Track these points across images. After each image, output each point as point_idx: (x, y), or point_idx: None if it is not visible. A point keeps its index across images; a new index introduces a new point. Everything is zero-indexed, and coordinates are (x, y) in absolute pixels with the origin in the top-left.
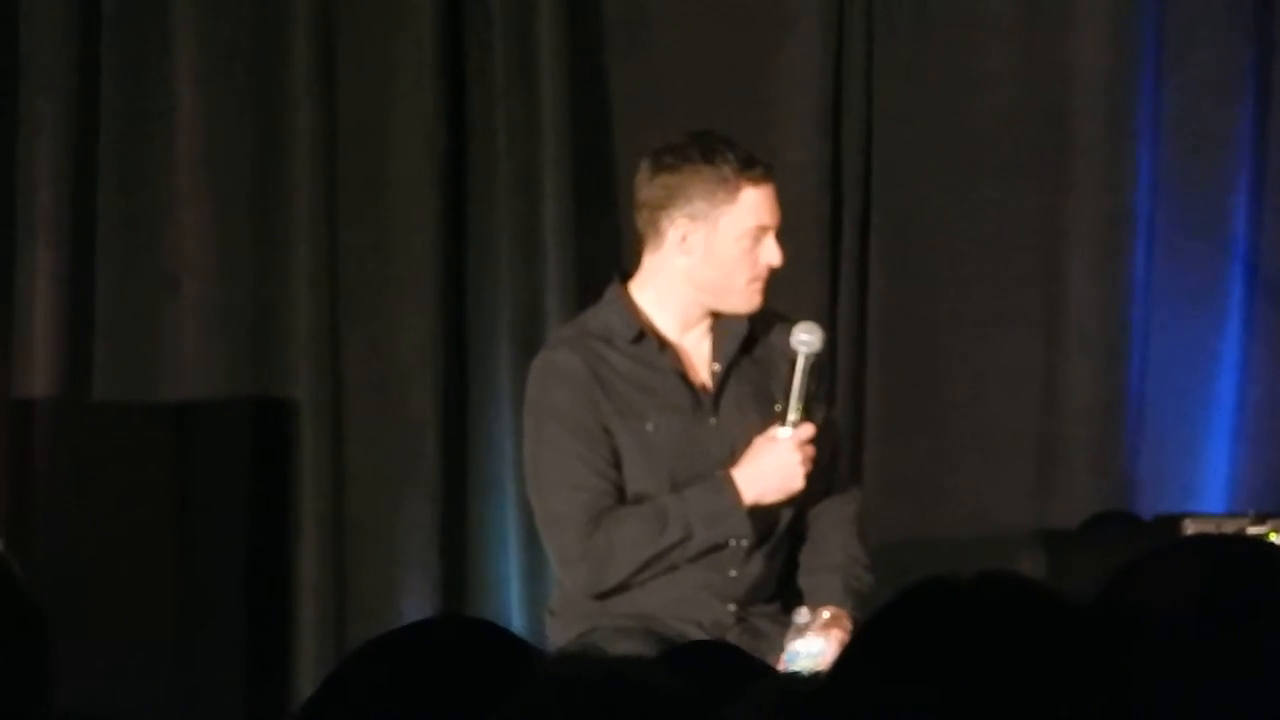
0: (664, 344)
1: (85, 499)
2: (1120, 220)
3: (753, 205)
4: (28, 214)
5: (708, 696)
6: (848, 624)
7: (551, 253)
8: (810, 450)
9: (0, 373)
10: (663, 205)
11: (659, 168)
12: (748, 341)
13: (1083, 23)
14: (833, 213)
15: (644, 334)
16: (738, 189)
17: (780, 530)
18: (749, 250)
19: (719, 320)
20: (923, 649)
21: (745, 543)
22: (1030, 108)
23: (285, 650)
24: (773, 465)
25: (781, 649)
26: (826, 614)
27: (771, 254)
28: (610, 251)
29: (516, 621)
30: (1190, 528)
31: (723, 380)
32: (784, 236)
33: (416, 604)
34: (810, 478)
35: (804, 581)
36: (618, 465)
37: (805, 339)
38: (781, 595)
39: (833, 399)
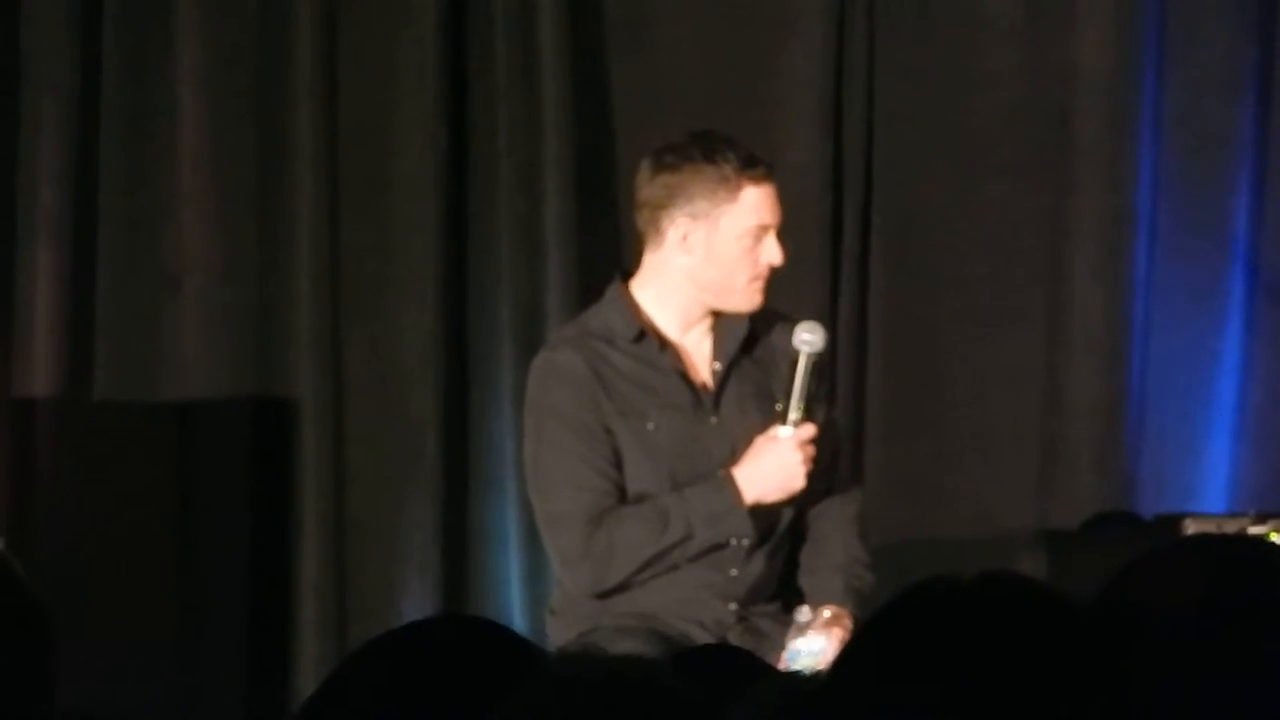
0: (665, 343)
1: (86, 498)
2: (1122, 220)
3: (754, 204)
4: (29, 213)
5: (709, 696)
6: (849, 623)
7: (553, 252)
8: (811, 450)
9: (1, 372)
10: (664, 204)
11: (660, 167)
12: (748, 341)
13: (1084, 22)
14: (834, 213)
15: (645, 333)
16: (739, 188)
17: (781, 530)
18: (750, 249)
19: (720, 319)
20: (923, 648)
21: (746, 542)
22: (1032, 107)
23: (286, 650)
24: (774, 465)
25: (783, 648)
26: (828, 613)
27: (772, 253)
28: (611, 251)
29: (518, 621)
30: (1191, 528)
31: (723, 379)
32: (785, 236)
33: (417, 604)
34: (811, 477)
35: (805, 581)
36: (619, 465)
37: (807, 338)
38: (782, 595)
39: (834, 399)
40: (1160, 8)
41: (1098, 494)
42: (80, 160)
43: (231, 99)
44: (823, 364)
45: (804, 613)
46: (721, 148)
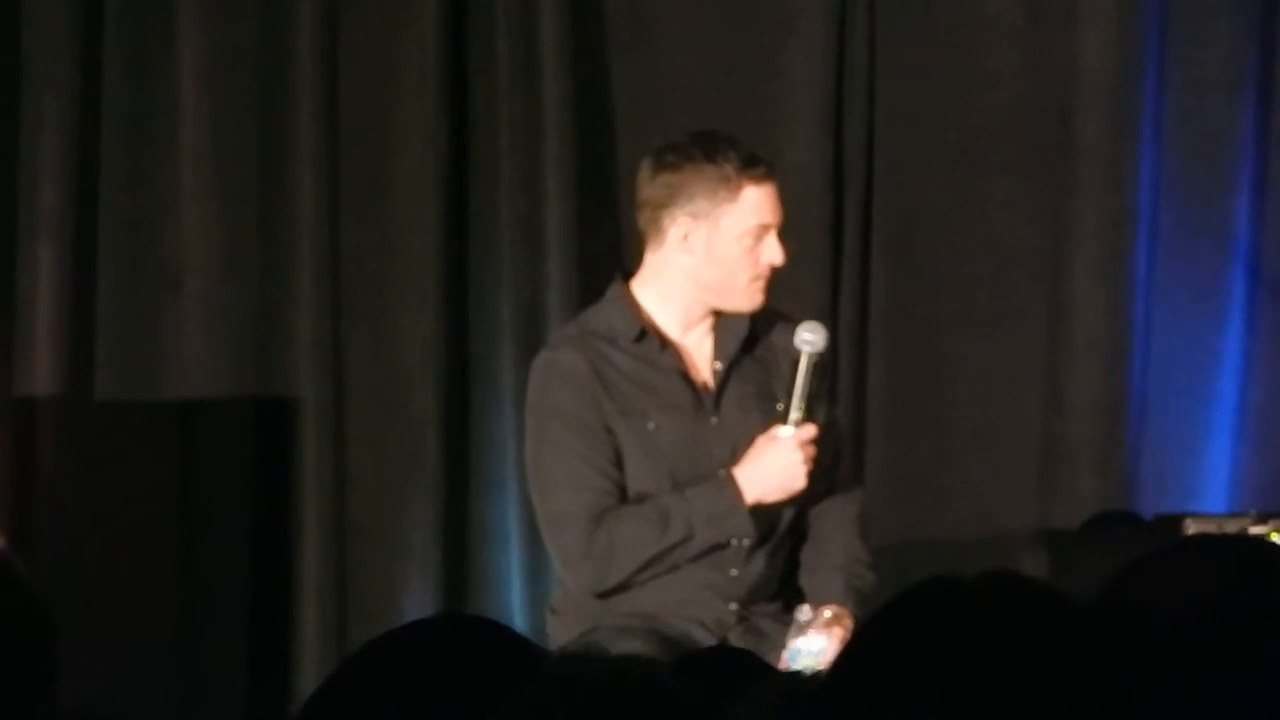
0: (666, 343)
1: (87, 498)
2: (1123, 220)
3: (755, 204)
4: (30, 212)
5: (710, 696)
6: (849, 623)
7: (553, 252)
8: (812, 450)
9: (2, 371)
10: (664, 204)
11: (661, 166)
12: (749, 340)
13: (1085, 22)
14: (835, 213)
15: (646, 333)
16: (740, 188)
17: (782, 529)
18: (751, 249)
19: (721, 319)
20: (924, 648)
21: (747, 542)
22: (1033, 107)
23: (286, 650)
24: (775, 465)
25: (783, 648)
26: (828, 612)
27: (773, 253)
28: (612, 251)
29: (518, 621)
30: (1192, 528)
31: (724, 379)
32: (786, 236)
33: (418, 604)
34: (812, 477)
35: (806, 581)
36: (620, 464)
37: (809, 338)
38: (783, 594)
39: (835, 398)
40: (1161, 8)
41: (1098, 494)
42: (81, 159)
43: (232, 98)
44: (824, 364)
45: (804, 612)
46: (722, 147)
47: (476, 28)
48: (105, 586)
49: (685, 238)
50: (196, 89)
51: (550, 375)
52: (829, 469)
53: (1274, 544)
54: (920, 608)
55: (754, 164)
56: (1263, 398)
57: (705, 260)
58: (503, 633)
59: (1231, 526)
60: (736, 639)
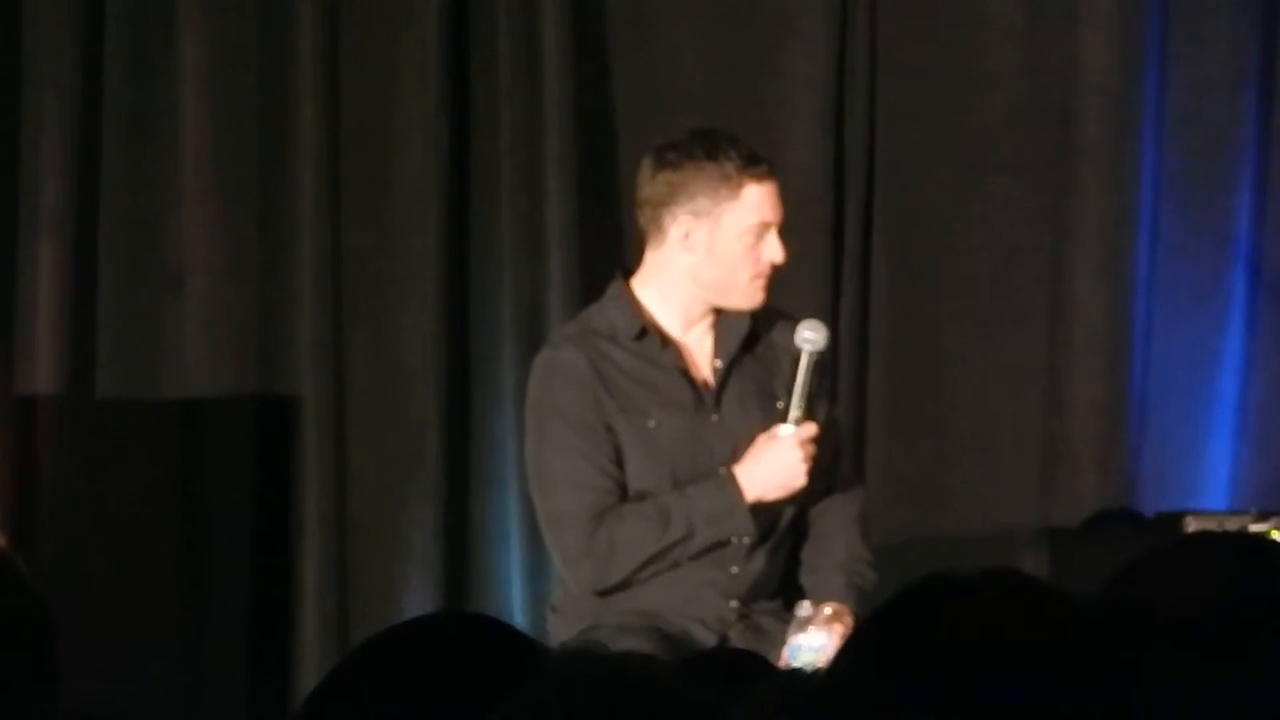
0: (666, 341)
1: (88, 497)
2: (1124, 219)
3: (755, 202)
4: (31, 212)
5: (710, 694)
6: (850, 620)
7: (554, 252)
8: (812, 448)
9: (3, 370)
10: (665, 202)
11: (661, 164)
12: (750, 339)
13: (1086, 22)
14: (836, 212)
15: (646, 331)
16: (740, 186)
17: (782, 527)
18: (751, 247)
19: (721, 317)
20: (924, 646)
21: (747, 540)
22: (1034, 107)
23: (287, 650)
24: (775, 463)
25: (784, 645)
26: (829, 609)
27: (774, 251)
28: (613, 251)
29: (519, 619)
30: (1192, 525)
31: (725, 377)
32: (787, 235)
33: (419, 603)
34: (813, 476)
35: (806, 579)
36: (620, 463)
37: (809, 336)
38: (784, 593)
39: (835, 397)
40: (1162, 7)
41: (1099, 492)
42: (82, 159)
43: (233, 98)
44: (824, 362)
45: (805, 608)
46: (723, 145)
47: (477, 28)
48: (105, 586)
49: (686, 236)
50: (197, 89)
51: (551, 374)
52: (829, 468)
53: (1275, 541)
54: (920, 605)
55: (755, 162)
56: (1263, 396)
57: (706, 258)
58: (503, 630)
59: (1232, 524)
60: (737, 636)
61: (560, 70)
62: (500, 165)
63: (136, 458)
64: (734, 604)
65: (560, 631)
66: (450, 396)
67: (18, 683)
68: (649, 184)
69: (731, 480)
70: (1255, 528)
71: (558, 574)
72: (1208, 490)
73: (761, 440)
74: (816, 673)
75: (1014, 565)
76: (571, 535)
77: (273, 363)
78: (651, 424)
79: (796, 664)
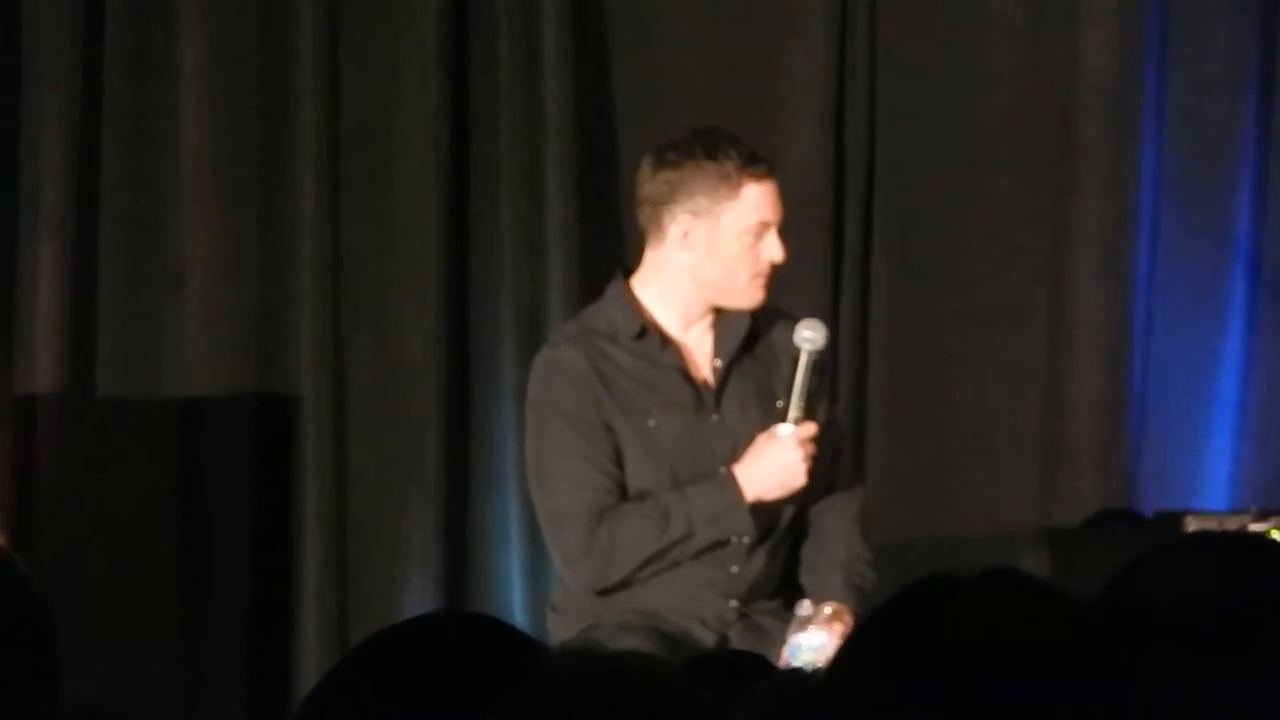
0: (666, 340)
1: (88, 497)
2: (1123, 219)
3: (755, 201)
4: (31, 211)
5: (710, 694)
6: (850, 619)
7: (554, 252)
8: (812, 448)
9: (3, 370)
10: (665, 201)
11: (661, 164)
12: (749, 338)
13: (1086, 21)
14: (836, 211)
15: (646, 330)
16: (740, 185)
17: (782, 527)
18: (751, 246)
19: (721, 316)
20: (924, 645)
21: (747, 539)
22: (1034, 106)
23: (287, 650)
24: (775, 462)
25: (784, 644)
26: (829, 608)
27: (774, 250)
28: (613, 251)
29: (519, 619)
30: (1192, 525)
31: (724, 377)
32: (787, 235)
33: (419, 603)
34: (812, 475)
35: (806, 578)
36: (620, 462)
37: (809, 336)
38: (784, 592)
39: (835, 397)
40: (1162, 7)
41: (1099, 492)
42: (82, 159)
43: (233, 98)
44: (824, 362)
45: (805, 607)
46: (723, 144)
47: (477, 28)
48: (105, 586)
49: (686, 235)
50: (197, 89)
51: (551, 373)
52: (829, 467)
53: (1275, 541)
54: (920, 605)
55: (755, 161)
56: (1263, 396)
57: (706, 257)
58: (503, 629)
59: (1232, 524)
60: (737, 636)
61: (560, 70)
62: (500, 165)
63: (136, 457)
64: (734, 603)
65: (560, 631)
66: (450, 396)
67: (18, 682)
68: (649, 183)
69: (731, 480)
70: (1255, 527)
71: (558, 573)
72: (1208, 490)
73: (761, 440)
74: (816, 672)
75: (1014, 565)
76: (571, 534)
77: (273, 362)
78: (651, 423)
79: (796, 663)
